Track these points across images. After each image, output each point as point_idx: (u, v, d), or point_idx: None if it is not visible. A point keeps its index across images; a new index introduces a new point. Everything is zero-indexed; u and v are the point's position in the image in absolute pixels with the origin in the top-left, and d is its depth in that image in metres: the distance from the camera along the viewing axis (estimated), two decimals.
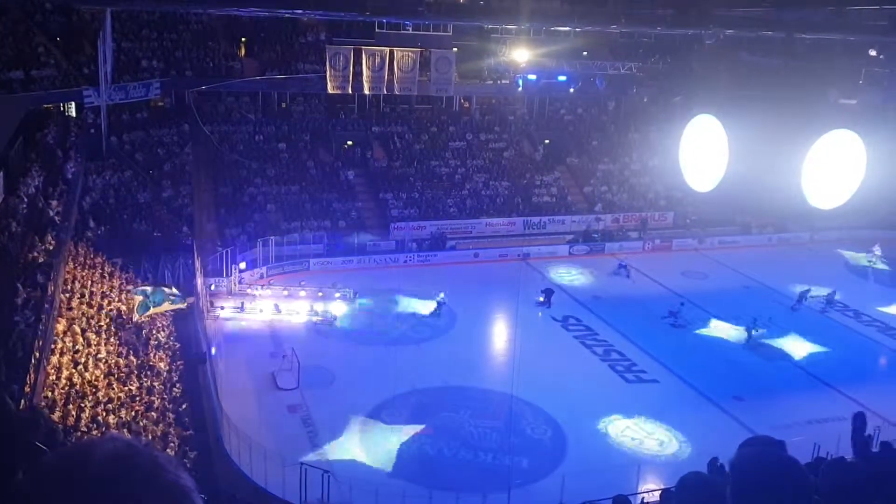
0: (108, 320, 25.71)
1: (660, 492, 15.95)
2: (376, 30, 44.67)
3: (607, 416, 25.45)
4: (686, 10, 25.48)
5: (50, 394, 19.83)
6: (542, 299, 34.09)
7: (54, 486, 1.45)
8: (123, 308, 27.22)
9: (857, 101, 35.79)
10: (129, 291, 28.16)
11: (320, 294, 33.55)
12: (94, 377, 21.89)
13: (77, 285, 26.87)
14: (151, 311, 27.47)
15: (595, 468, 21.93)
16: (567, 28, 42.92)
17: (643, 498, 19.01)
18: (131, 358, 24.15)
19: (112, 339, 24.78)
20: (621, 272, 38.75)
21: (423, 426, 24.35)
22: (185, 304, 29.48)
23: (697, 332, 32.61)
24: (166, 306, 28.50)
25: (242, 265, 34.62)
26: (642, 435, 24.65)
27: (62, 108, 37.28)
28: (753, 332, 31.32)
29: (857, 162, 19.00)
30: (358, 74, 42.57)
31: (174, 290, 29.03)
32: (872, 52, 35.81)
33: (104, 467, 1.46)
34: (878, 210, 41.52)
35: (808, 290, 35.35)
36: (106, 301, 27.13)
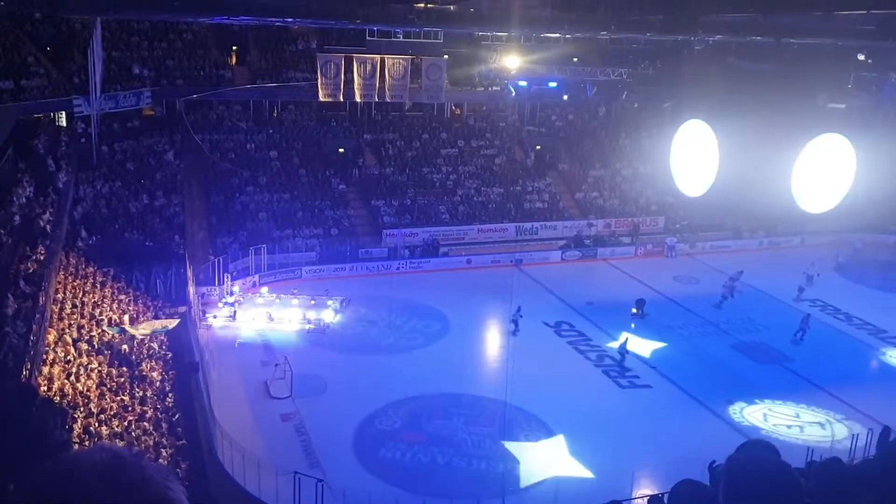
0: (99, 331, 25.60)
1: (647, 498, 15.92)
2: (367, 38, 44.75)
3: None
4: (675, 17, 25.56)
5: None
6: (634, 311, 33.44)
7: (42, 498, 1.44)
8: (114, 317, 27.10)
9: (846, 106, 35.93)
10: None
11: (313, 302, 33.49)
12: (85, 388, 21.78)
13: (68, 295, 26.76)
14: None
15: (588, 474, 21.97)
16: (557, 35, 42.99)
17: None
18: (124, 368, 24.04)
19: (104, 350, 24.66)
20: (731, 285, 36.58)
21: (416, 434, 24.32)
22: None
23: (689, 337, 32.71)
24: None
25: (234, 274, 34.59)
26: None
27: (52, 118, 37.20)
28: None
29: (846, 166, 19.07)
30: (349, 82, 42.62)
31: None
32: (861, 57, 36.05)
33: (91, 479, 1.45)
34: (868, 213, 41.80)
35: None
36: (97, 311, 27.01)
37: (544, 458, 23.33)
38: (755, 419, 25.94)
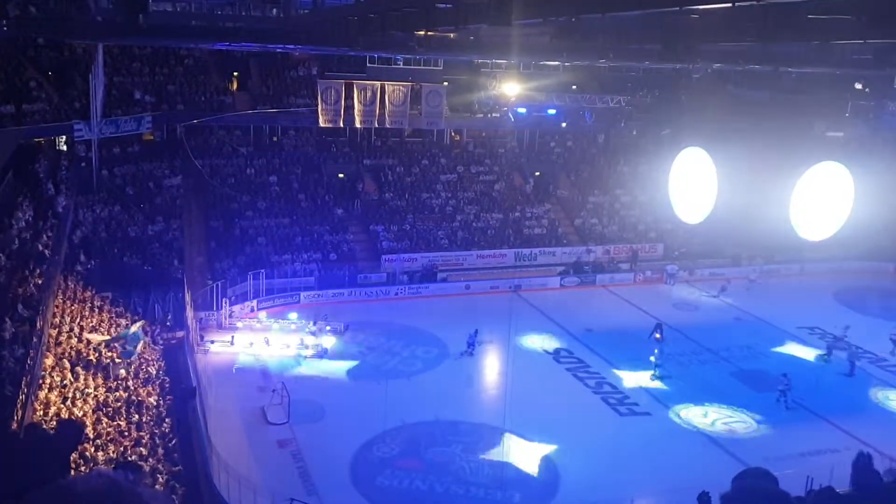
0: (96, 354, 25.48)
1: None
2: (367, 64, 45.08)
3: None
4: (673, 45, 25.74)
5: None
6: (658, 336, 33.21)
7: None
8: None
9: (843, 134, 36.16)
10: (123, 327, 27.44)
11: (311, 327, 33.40)
12: (82, 412, 21.65)
13: (66, 319, 26.68)
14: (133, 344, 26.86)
15: (587, 502, 21.79)
16: (556, 62, 43.32)
17: None
18: (120, 393, 23.91)
19: (100, 374, 24.55)
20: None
21: (414, 461, 24.14)
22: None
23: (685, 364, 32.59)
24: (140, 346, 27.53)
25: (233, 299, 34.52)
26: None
27: (53, 142, 37.32)
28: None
29: (845, 194, 19.17)
30: (349, 108, 42.84)
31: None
32: (858, 86, 36.34)
33: None
34: (867, 241, 41.82)
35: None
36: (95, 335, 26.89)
37: (542, 486, 23.16)
38: (750, 446, 25.71)
